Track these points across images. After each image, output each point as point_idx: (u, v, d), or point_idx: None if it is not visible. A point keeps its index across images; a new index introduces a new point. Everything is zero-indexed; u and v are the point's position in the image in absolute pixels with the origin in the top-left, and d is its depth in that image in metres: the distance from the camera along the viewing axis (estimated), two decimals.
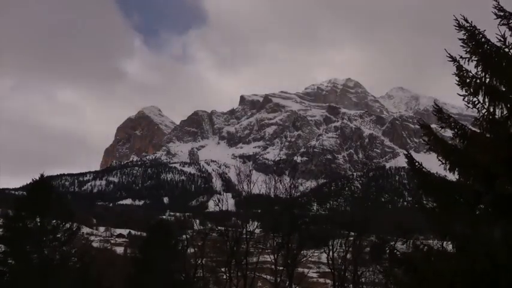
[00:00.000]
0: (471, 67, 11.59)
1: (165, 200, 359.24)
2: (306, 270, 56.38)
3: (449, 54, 11.85)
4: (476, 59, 11.41)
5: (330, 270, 42.81)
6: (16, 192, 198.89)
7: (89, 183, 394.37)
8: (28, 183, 35.84)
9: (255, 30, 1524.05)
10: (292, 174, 44.48)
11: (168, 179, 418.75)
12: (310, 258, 51.05)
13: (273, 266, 41.39)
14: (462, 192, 11.80)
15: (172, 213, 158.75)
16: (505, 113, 11.23)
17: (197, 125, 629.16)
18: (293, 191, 41.82)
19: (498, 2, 11.37)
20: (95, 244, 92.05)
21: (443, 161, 11.75)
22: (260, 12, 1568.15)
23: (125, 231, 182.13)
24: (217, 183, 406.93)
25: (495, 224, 10.91)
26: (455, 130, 11.82)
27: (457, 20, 11.54)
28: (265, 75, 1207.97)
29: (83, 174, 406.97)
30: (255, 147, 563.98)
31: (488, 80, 11.36)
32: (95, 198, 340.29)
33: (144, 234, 49.50)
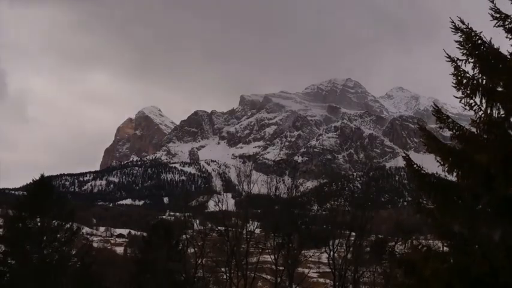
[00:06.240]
0: (468, 68, 11.63)
1: (165, 200, 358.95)
2: (306, 270, 56.41)
3: (447, 54, 11.87)
4: (472, 60, 11.44)
5: (330, 270, 42.78)
6: (16, 192, 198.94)
7: (89, 183, 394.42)
8: (28, 183, 35.89)
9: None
10: (293, 174, 44.40)
11: (168, 179, 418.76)
12: (310, 258, 51.02)
13: (273, 266, 41.38)
14: (461, 193, 11.83)
15: (172, 213, 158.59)
16: (501, 114, 11.26)
17: (197, 125, 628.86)
18: (293, 191, 41.81)
19: (494, 4, 11.40)
20: (95, 244, 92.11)
21: (442, 163, 11.78)
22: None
23: (125, 231, 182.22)
24: (217, 183, 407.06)
25: (493, 224, 10.94)
26: (454, 131, 11.85)
27: (453, 22, 11.57)
28: (266, 75, 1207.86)
29: (83, 174, 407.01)
30: (255, 147, 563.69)
31: (485, 81, 11.40)
32: (95, 198, 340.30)
33: (144, 234, 49.50)
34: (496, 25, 11.34)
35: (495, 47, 11.24)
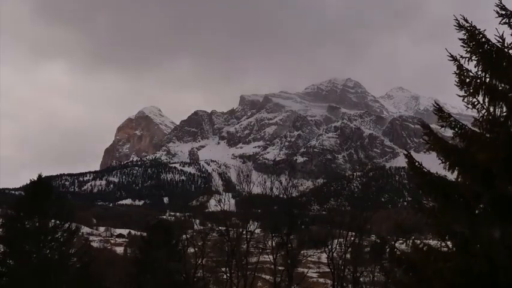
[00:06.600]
0: (471, 67, 11.58)
1: (165, 200, 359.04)
2: (305, 270, 56.30)
3: (449, 53, 11.83)
4: (476, 58, 11.40)
5: (329, 270, 42.78)
6: (16, 192, 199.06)
7: (89, 183, 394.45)
8: (27, 183, 35.79)
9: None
10: (292, 174, 44.41)
11: (168, 179, 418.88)
12: (310, 258, 50.99)
13: (272, 266, 41.39)
14: (462, 192, 11.77)
15: (172, 213, 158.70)
16: (504, 112, 11.20)
17: (197, 125, 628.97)
18: (292, 191, 41.86)
19: (500, 1, 11.36)
20: (95, 244, 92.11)
21: (443, 161, 11.73)
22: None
23: (124, 231, 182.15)
24: (217, 183, 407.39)
25: (495, 224, 10.89)
26: (456, 129, 11.80)
27: (457, 20, 11.53)
28: (266, 75, 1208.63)
29: (83, 174, 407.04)
30: (255, 147, 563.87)
31: (488, 79, 11.35)
32: (95, 198, 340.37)
33: (144, 234, 49.46)
34: (502, 22, 11.29)
35: (498, 44, 11.18)
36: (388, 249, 12.73)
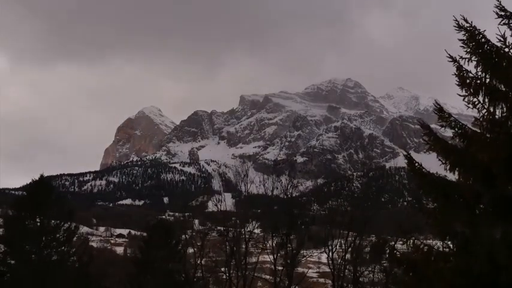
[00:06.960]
0: (471, 67, 11.57)
1: (165, 200, 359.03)
2: (305, 270, 56.28)
3: (449, 54, 11.82)
4: (476, 59, 11.38)
5: (329, 270, 42.73)
6: (16, 192, 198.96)
7: (89, 183, 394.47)
8: (28, 183, 35.77)
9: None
10: (292, 174, 44.48)
11: (168, 179, 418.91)
12: (310, 258, 50.93)
13: (272, 266, 41.35)
14: (462, 192, 11.76)
15: (172, 213, 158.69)
16: (505, 113, 11.19)
17: (197, 125, 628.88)
18: (292, 191, 41.80)
19: (500, 2, 11.35)
20: (95, 244, 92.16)
21: (443, 161, 11.72)
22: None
23: (124, 231, 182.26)
24: (217, 183, 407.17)
25: (495, 224, 10.88)
26: (456, 129, 11.80)
27: (456, 20, 11.52)
28: (266, 75, 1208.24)
29: (83, 174, 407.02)
30: (255, 147, 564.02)
31: (488, 80, 11.33)
32: (95, 198, 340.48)
33: (144, 234, 49.46)
34: (501, 23, 11.27)
35: (498, 44, 11.17)
36: (388, 250, 12.73)
